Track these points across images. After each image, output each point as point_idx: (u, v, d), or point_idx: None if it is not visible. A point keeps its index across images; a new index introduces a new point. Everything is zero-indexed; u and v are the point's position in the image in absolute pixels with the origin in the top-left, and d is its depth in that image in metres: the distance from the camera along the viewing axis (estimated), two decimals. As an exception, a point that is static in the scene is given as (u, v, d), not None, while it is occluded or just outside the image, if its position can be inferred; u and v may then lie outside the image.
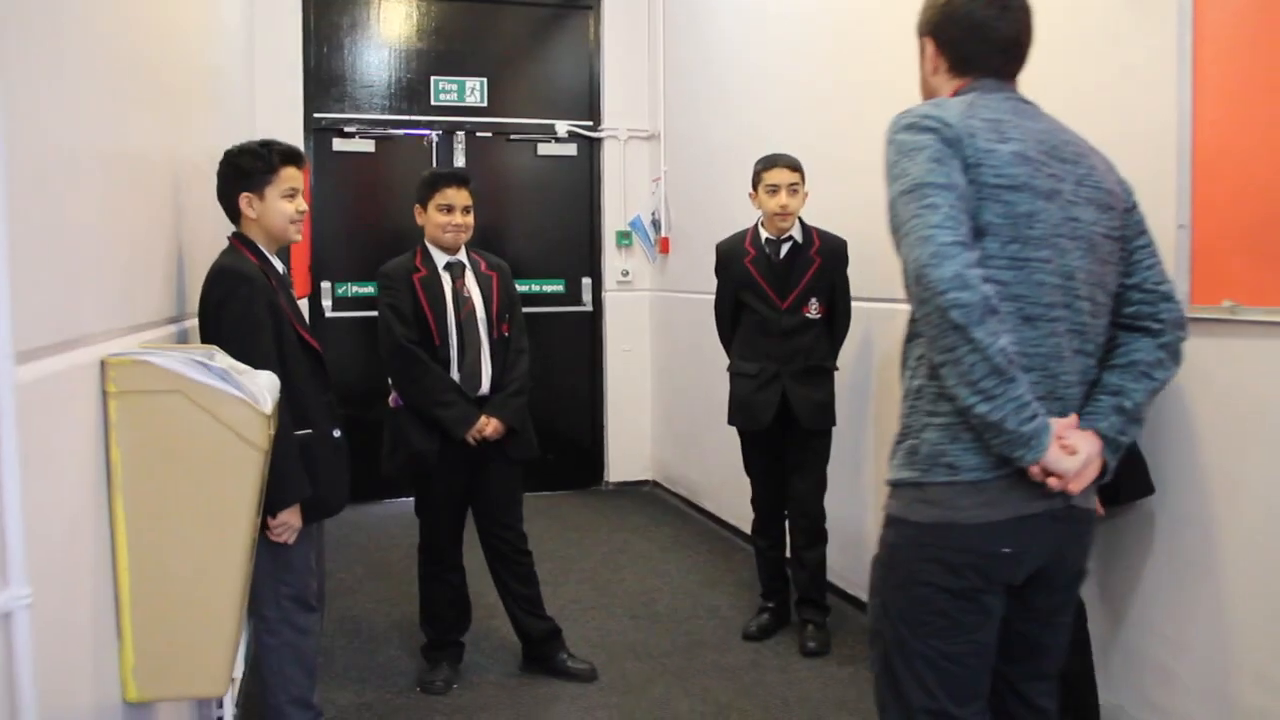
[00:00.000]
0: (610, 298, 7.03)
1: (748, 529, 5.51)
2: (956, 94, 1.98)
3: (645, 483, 7.10)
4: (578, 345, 7.01)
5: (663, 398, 6.97)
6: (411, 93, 6.56)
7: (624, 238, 6.99)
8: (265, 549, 2.59)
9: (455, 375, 3.72)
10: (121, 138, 2.23)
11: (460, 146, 6.60)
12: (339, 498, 2.88)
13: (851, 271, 4.13)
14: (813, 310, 4.05)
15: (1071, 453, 1.85)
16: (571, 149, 6.92)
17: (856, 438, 4.34)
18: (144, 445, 1.92)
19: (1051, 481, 1.84)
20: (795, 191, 4.01)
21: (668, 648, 4.12)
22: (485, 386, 3.76)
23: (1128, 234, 2.00)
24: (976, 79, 1.98)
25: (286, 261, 2.98)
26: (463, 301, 3.75)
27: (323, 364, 2.90)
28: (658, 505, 6.61)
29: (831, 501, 4.16)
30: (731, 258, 4.19)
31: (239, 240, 2.85)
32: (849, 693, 3.67)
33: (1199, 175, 2.68)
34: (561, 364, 6.89)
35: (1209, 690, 2.65)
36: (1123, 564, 2.93)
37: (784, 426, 4.04)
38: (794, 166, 4.02)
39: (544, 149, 6.86)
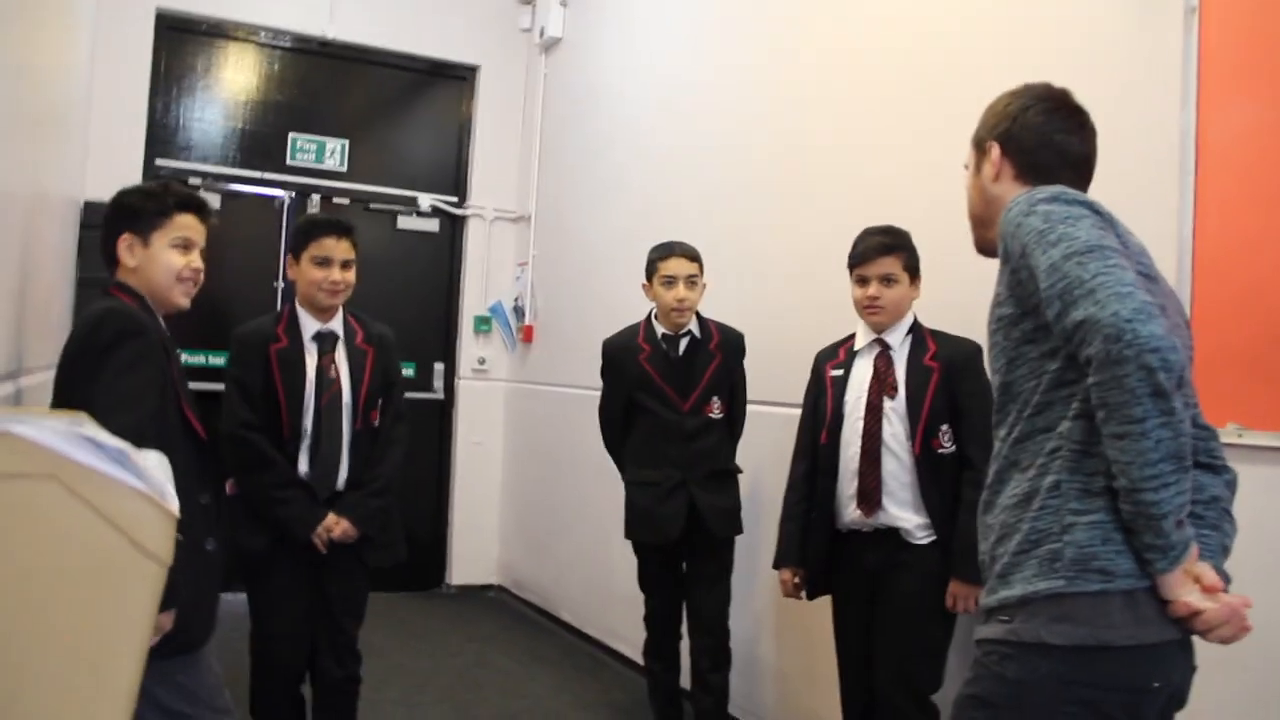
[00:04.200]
0: (464, 386, 6.56)
1: (610, 641, 5.13)
2: None
3: (491, 587, 6.56)
4: (425, 435, 6.46)
5: (514, 497, 6.49)
6: (266, 149, 6.00)
7: (483, 323, 6.55)
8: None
9: (304, 469, 3.22)
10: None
11: (314, 211, 6.05)
12: (205, 626, 2.31)
13: (758, 372, 3.86)
14: (715, 410, 3.72)
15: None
16: (433, 224, 6.48)
17: (752, 549, 3.98)
18: (-5, 549, 1.39)
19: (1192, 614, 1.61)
20: (694, 284, 3.70)
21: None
22: (341, 483, 3.27)
23: None
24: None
25: None
26: (327, 384, 3.25)
27: (205, 455, 2.37)
28: (507, 613, 6.09)
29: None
30: (624, 356, 3.80)
31: (120, 290, 2.30)
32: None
33: (1199, 290, 2.52)
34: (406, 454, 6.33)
35: None
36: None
37: (686, 536, 3.66)
38: (692, 256, 3.72)
39: (404, 222, 6.40)
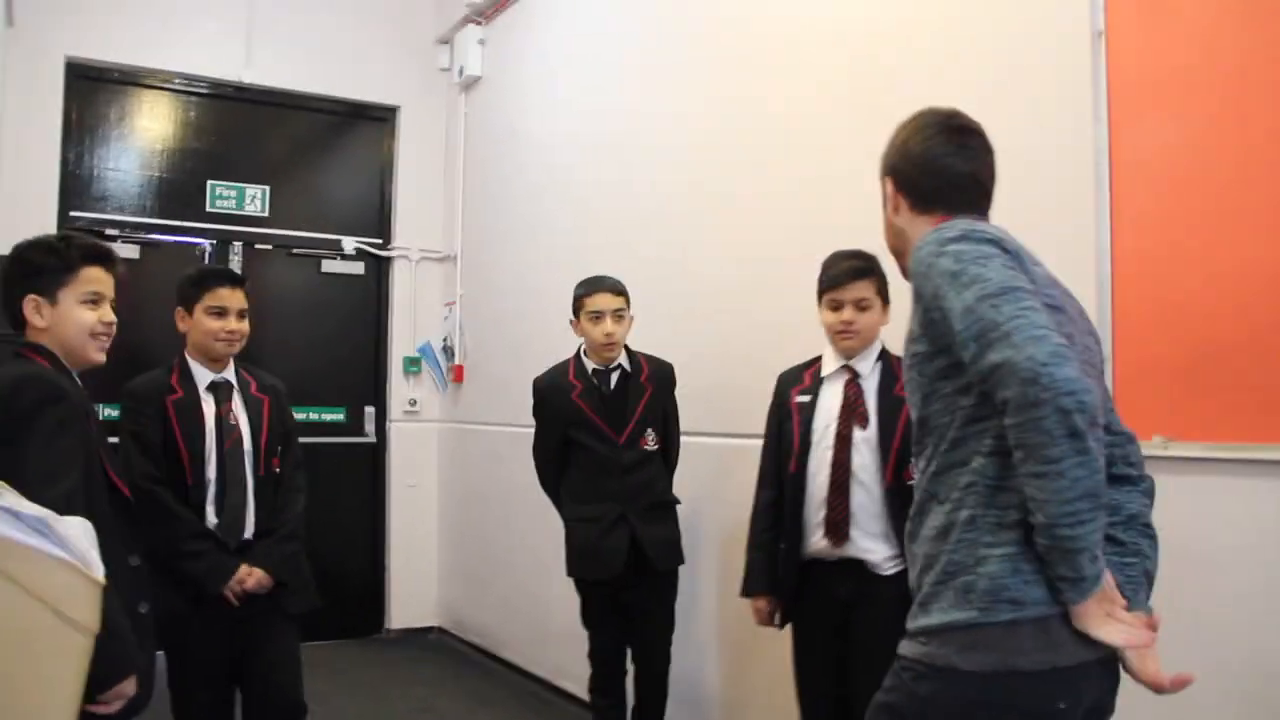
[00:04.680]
0: (396, 428, 6.49)
1: (555, 679, 5.08)
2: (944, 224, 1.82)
3: (431, 629, 6.48)
4: (358, 479, 6.41)
5: (452, 537, 6.43)
6: (185, 197, 5.91)
7: (412, 364, 6.50)
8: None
9: (212, 520, 3.16)
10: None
11: (236, 258, 5.97)
12: (146, 691, 2.20)
13: (691, 404, 3.89)
14: (650, 442, 3.74)
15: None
16: (358, 267, 6.42)
17: (691, 579, 3.98)
18: (-88, 628, 1.35)
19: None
20: (621, 318, 3.71)
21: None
22: (249, 532, 3.21)
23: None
24: (945, 216, 1.86)
25: None
26: (228, 431, 3.21)
27: (132, 515, 2.31)
28: (449, 655, 6.01)
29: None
30: (555, 394, 3.79)
31: (33, 351, 2.24)
32: None
33: (1119, 304, 2.59)
34: (339, 500, 6.24)
35: None
36: None
37: (628, 569, 3.65)
38: (618, 290, 3.73)
39: (329, 266, 6.33)
